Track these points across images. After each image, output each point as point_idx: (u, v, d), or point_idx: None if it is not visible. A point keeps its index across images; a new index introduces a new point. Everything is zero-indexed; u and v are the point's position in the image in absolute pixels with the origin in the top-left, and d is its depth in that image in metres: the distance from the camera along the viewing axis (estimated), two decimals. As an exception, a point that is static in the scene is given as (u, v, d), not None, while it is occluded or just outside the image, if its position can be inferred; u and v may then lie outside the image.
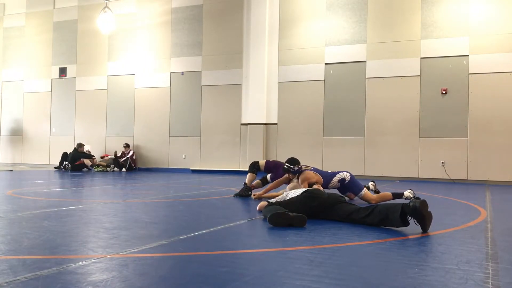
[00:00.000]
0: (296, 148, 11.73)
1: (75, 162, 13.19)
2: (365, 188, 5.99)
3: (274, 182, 6.14)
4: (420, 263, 2.74)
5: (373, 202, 5.69)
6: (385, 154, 10.97)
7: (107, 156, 13.78)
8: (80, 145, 13.54)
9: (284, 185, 6.15)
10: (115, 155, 13.34)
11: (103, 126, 14.39)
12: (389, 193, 5.81)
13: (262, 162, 6.75)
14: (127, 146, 13.52)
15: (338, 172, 6.02)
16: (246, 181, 6.54)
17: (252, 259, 2.83)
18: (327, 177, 5.90)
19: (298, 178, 5.79)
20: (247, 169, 6.75)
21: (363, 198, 5.86)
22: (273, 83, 12.24)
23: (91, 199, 6.16)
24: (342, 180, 5.92)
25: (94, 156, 13.56)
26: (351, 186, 5.94)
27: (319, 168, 7.10)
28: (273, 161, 6.76)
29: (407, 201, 5.31)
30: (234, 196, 6.45)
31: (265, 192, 6.07)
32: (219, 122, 12.80)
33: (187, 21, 13.35)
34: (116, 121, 14.23)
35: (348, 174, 6.00)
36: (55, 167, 13.54)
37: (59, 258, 2.70)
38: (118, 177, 10.73)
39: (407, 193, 5.74)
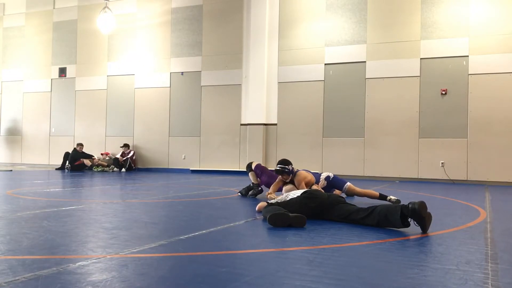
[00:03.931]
0: (295, 148, 11.74)
1: (75, 162, 13.19)
2: (348, 182, 6.13)
3: (273, 184, 6.13)
4: (419, 263, 2.74)
5: (359, 193, 5.92)
6: (385, 154, 10.98)
7: (107, 154, 13.79)
8: (80, 145, 13.55)
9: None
10: (117, 158, 13.35)
11: (103, 126, 14.39)
12: (377, 193, 5.85)
13: (255, 163, 6.80)
14: (125, 146, 13.50)
15: (322, 173, 6.34)
16: (253, 181, 6.60)
17: (251, 260, 2.83)
18: (315, 176, 6.02)
19: (292, 181, 5.77)
20: (246, 171, 6.79)
21: (348, 190, 6.03)
22: (273, 83, 12.24)
23: (90, 199, 6.16)
24: (327, 178, 6.15)
25: (93, 156, 13.55)
26: (335, 182, 6.14)
27: (315, 170, 7.13)
28: (262, 166, 6.70)
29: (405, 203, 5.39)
30: (248, 196, 6.48)
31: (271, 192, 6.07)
32: (219, 122, 12.80)
33: (187, 21, 13.35)
34: (116, 121, 14.23)
35: (331, 172, 6.34)
36: (57, 168, 13.52)
37: (59, 258, 2.70)
38: (117, 177, 10.73)
39: (393, 197, 5.73)
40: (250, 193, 6.50)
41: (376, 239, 3.46)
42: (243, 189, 6.66)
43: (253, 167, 6.65)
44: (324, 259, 2.79)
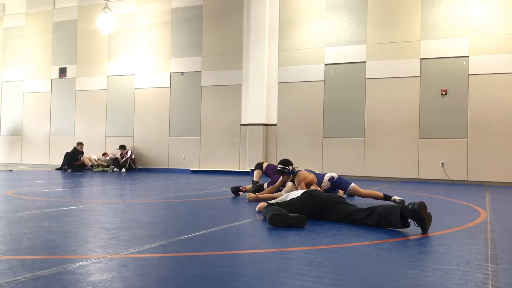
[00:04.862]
0: (295, 148, 11.74)
1: (75, 162, 13.17)
2: (352, 183, 6.07)
3: (269, 187, 6.17)
4: (419, 263, 2.74)
5: (363, 194, 5.87)
6: (385, 154, 10.98)
7: (107, 154, 13.78)
8: (80, 144, 13.50)
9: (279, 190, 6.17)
10: (117, 158, 13.35)
11: (103, 126, 14.39)
12: (381, 193, 5.83)
13: (265, 164, 6.99)
14: (122, 147, 13.46)
15: (326, 173, 6.27)
16: (254, 178, 6.76)
17: (252, 260, 2.83)
18: (318, 177, 5.99)
19: (293, 180, 5.77)
20: (249, 171, 6.89)
21: (352, 191, 5.97)
22: (273, 83, 12.24)
23: (90, 199, 6.16)
24: (331, 179, 6.07)
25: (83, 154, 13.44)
26: (339, 183, 6.08)
27: (315, 170, 7.12)
28: (274, 166, 6.82)
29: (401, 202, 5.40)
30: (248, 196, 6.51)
31: (264, 194, 6.08)
32: (219, 122, 12.80)
33: (187, 22, 13.35)
34: (116, 121, 14.23)
35: (335, 173, 6.24)
36: (57, 168, 13.50)
37: (59, 258, 2.70)
38: (117, 177, 10.73)
39: (397, 198, 5.73)
40: (251, 190, 6.53)
41: (376, 240, 3.46)
42: (234, 187, 6.71)
43: (264, 166, 6.83)
44: (324, 260, 2.79)
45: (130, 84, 14.04)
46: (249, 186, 6.69)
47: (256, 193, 6.15)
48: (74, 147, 13.57)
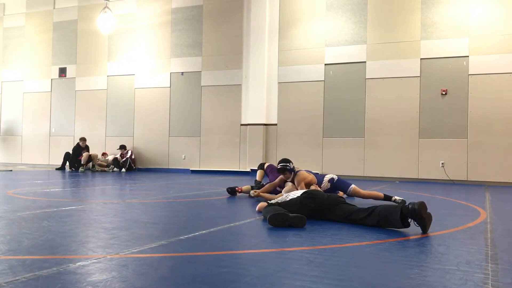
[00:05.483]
0: (295, 148, 11.74)
1: (78, 157, 13.08)
2: (353, 184, 6.06)
3: (269, 184, 6.17)
4: (419, 263, 2.74)
5: (363, 195, 5.88)
6: (385, 154, 10.98)
7: (106, 154, 13.75)
8: (83, 140, 13.42)
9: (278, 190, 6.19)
10: (117, 158, 13.31)
11: (103, 126, 14.39)
12: (381, 194, 5.83)
13: (267, 164, 7.19)
14: (122, 148, 13.44)
15: (326, 174, 6.30)
16: (257, 178, 6.93)
17: (252, 260, 2.83)
18: (318, 178, 6.00)
19: (293, 180, 5.78)
20: (249, 171, 6.97)
21: (352, 193, 5.98)
22: (273, 83, 12.24)
23: (90, 199, 6.16)
24: (331, 180, 6.09)
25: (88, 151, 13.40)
26: (339, 184, 6.09)
27: (315, 170, 7.16)
28: (273, 166, 6.95)
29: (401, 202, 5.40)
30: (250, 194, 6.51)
31: (263, 192, 6.10)
32: (219, 122, 12.80)
33: (187, 22, 13.35)
34: (116, 121, 14.23)
35: (335, 175, 6.26)
36: (57, 168, 13.48)
37: (59, 258, 2.70)
38: (117, 177, 10.73)
39: (398, 198, 5.72)
40: (252, 191, 6.55)
41: (376, 240, 3.46)
42: (229, 188, 6.71)
43: (265, 166, 7.02)
44: (324, 260, 2.79)
45: (130, 84, 14.04)
46: (245, 187, 6.68)
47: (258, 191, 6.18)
48: (77, 143, 13.48)
